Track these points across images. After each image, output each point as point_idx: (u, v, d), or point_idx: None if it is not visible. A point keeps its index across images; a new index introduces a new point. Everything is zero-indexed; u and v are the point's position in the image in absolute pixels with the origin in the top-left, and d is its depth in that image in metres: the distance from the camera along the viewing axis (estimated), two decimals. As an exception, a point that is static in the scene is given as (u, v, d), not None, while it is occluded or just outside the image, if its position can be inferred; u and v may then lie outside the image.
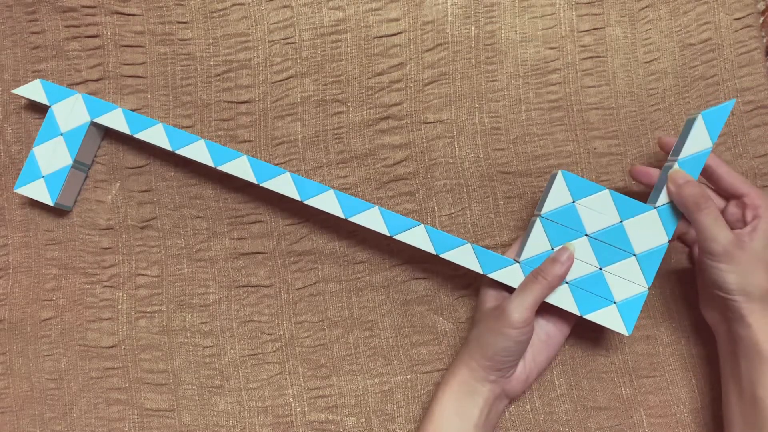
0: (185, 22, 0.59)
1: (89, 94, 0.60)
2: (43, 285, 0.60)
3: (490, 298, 0.54)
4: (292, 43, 0.59)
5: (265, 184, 0.55)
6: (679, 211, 0.51)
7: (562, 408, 0.59)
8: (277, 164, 0.59)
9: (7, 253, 0.61)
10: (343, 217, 0.54)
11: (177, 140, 0.56)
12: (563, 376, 0.59)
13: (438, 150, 0.60)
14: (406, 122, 0.60)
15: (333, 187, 0.57)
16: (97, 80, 0.60)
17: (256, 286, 0.60)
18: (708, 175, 0.53)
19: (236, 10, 0.59)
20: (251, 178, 0.55)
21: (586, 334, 0.59)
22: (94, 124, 0.58)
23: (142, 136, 0.56)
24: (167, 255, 0.60)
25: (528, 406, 0.59)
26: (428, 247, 0.53)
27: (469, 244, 0.53)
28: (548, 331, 0.55)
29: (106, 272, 0.60)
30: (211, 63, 0.59)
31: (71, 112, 0.58)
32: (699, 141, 0.51)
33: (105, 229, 0.60)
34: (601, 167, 0.59)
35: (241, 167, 0.55)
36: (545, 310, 0.55)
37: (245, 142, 0.60)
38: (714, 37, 0.59)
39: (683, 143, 0.51)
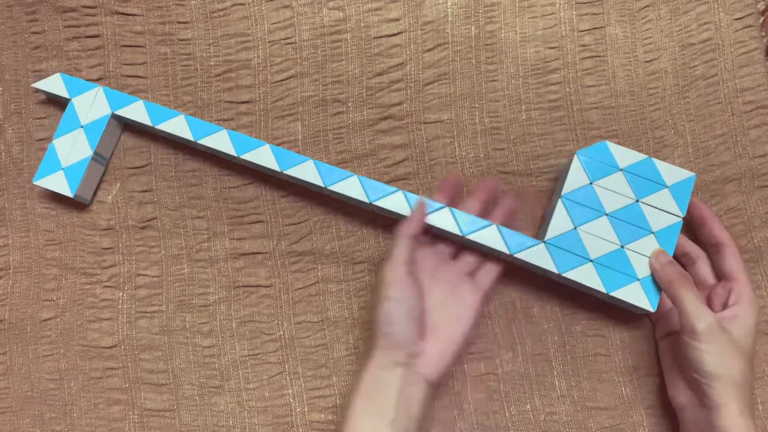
0: (185, 22, 0.59)
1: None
2: (43, 285, 0.60)
3: None
4: (293, 43, 0.59)
5: (289, 171, 0.55)
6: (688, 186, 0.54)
7: (562, 408, 0.59)
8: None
9: (8, 253, 0.61)
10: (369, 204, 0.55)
11: (199, 130, 0.56)
12: (564, 377, 0.59)
13: (438, 150, 0.60)
14: (406, 122, 0.60)
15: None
16: (97, 80, 0.60)
17: (256, 286, 0.60)
18: (715, 252, 0.55)
19: (236, 10, 0.59)
20: (274, 165, 0.55)
21: (586, 333, 0.59)
22: (114, 117, 0.58)
23: (164, 127, 0.57)
24: (167, 255, 0.60)
25: (528, 407, 0.59)
26: (455, 229, 0.53)
27: (494, 225, 0.53)
28: (456, 303, 0.54)
29: (106, 272, 0.60)
30: (212, 63, 0.59)
31: (92, 104, 0.58)
32: (671, 210, 0.54)
33: (105, 230, 0.60)
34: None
35: (263, 156, 0.55)
36: (450, 282, 0.54)
37: (245, 142, 0.60)
38: (714, 37, 0.59)
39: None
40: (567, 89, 0.59)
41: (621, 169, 0.54)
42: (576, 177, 0.54)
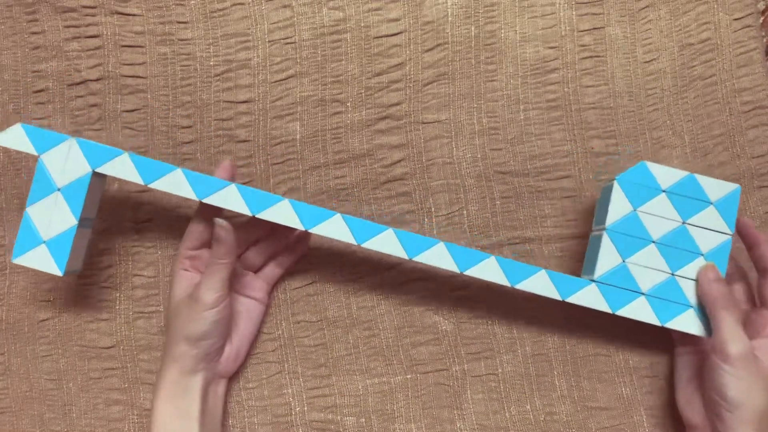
0: (185, 22, 0.59)
1: (89, 94, 0.59)
2: (40, 285, 0.60)
3: (180, 291, 0.54)
4: (292, 43, 0.59)
5: (314, 230, 0.51)
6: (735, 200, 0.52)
7: (562, 408, 0.59)
8: (274, 164, 0.60)
9: (4, 254, 0.61)
10: (407, 258, 0.52)
11: (203, 187, 0.50)
12: (564, 377, 0.59)
13: (435, 150, 0.60)
14: (404, 122, 0.60)
15: (329, 188, 0.57)
16: (96, 80, 0.60)
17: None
18: (763, 276, 0.54)
19: (236, 10, 0.59)
20: (297, 224, 0.50)
21: (587, 333, 0.59)
22: (96, 174, 0.50)
23: (159, 185, 0.50)
24: (163, 256, 0.60)
25: (528, 407, 0.59)
26: (502, 279, 0.51)
27: (543, 271, 0.52)
28: (247, 306, 0.57)
29: (102, 273, 0.60)
30: (211, 63, 0.59)
31: (66, 161, 0.49)
32: (719, 227, 0.52)
33: (101, 231, 0.60)
34: (598, 167, 0.59)
35: (284, 213, 0.50)
36: (238, 284, 0.57)
37: (244, 141, 0.60)
38: (713, 37, 0.59)
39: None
40: (566, 89, 0.59)
41: (664, 191, 0.52)
42: (618, 205, 0.52)
